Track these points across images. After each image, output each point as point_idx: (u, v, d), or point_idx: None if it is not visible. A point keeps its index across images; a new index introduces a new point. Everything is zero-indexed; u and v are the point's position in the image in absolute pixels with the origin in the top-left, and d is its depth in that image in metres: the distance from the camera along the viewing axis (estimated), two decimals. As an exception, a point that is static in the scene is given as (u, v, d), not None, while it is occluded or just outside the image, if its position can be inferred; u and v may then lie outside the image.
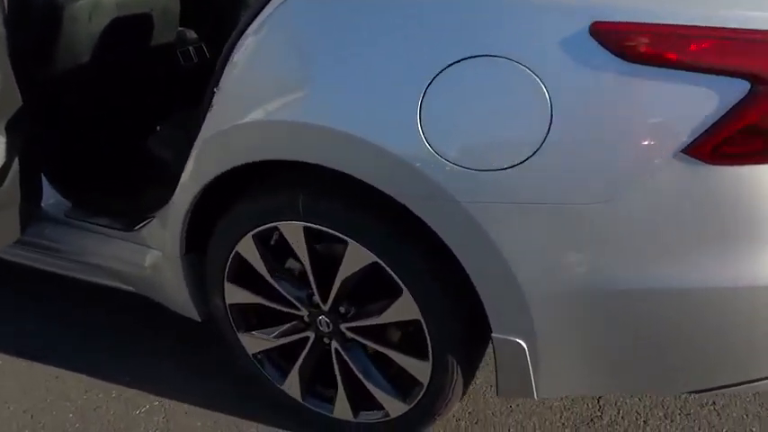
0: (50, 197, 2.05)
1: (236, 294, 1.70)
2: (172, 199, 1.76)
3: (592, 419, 1.83)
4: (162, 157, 1.98)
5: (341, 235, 1.45)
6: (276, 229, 1.54)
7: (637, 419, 1.82)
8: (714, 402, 1.87)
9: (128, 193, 2.07)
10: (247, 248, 1.60)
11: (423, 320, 1.45)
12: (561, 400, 1.89)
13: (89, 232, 2.02)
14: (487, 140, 1.24)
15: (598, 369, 1.38)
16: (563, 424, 1.82)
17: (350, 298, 1.57)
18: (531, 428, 1.81)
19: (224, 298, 1.72)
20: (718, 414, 1.83)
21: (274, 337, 1.71)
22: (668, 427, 1.80)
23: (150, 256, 1.89)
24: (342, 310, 1.58)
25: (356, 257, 1.46)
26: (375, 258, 1.43)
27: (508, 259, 1.27)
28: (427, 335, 1.46)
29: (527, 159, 1.20)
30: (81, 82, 2.11)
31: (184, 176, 1.63)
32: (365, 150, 1.31)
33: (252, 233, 1.57)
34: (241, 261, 1.64)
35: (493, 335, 1.38)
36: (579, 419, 1.83)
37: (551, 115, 1.17)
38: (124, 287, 2.00)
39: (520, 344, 1.36)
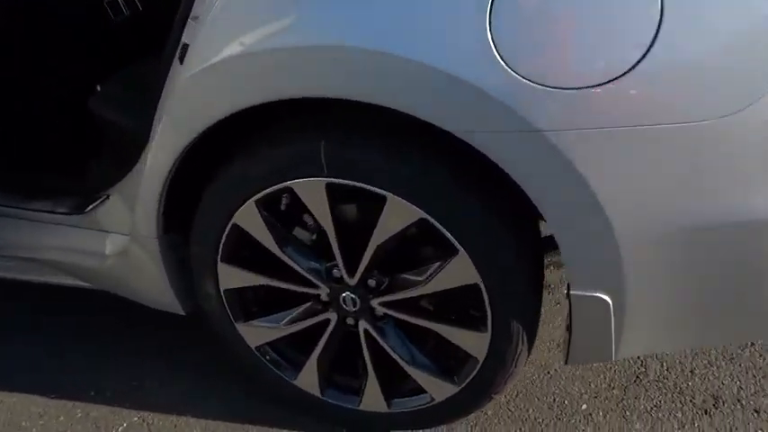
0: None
1: (233, 277, 1.39)
2: (135, 168, 1.41)
3: (637, 376, 1.66)
4: (112, 121, 1.61)
5: (378, 189, 1.17)
6: (287, 191, 1.24)
7: (683, 371, 1.67)
8: (753, 344, 1.74)
9: (69, 169, 1.69)
10: (249, 218, 1.29)
11: (482, 284, 1.20)
12: (599, 359, 1.71)
13: (25, 221, 1.63)
14: (578, 51, 0.99)
15: (689, 321, 1.19)
16: (609, 385, 1.64)
17: (382, 268, 1.30)
18: (576, 393, 1.62)
19: (217, 283, 1.40)
20: (761, 355, 1.70)
21: (285, 324, 1.41)
22: (716, 373, 1.65)
23: (111, 241, 1.54)
24: (371, 283, 1.31)
25: (397, 216, 1.18)
26: (422, 214, 1.16)
27: (601, 200, 1.04)
28: (487, 301, 1.22)
29: (628, 71, 0.96)
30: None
31: (158, 138, 1.28)
32: (414, 75, 1.03)
33: (255, 198, 1.26)
34: (240, 235, 1.33)
35: (572, 292, 1.15)
36: (625, 378, 1.65)
37: (662, 10, 0.94)
38: (80, 284, 1.62)
39: (604, 300, 1.14)
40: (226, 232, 1.32)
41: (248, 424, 1.58)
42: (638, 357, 1.70)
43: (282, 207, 1.29)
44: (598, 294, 1.14)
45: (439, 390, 1.37)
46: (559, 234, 1.10)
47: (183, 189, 1.35)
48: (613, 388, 1.63)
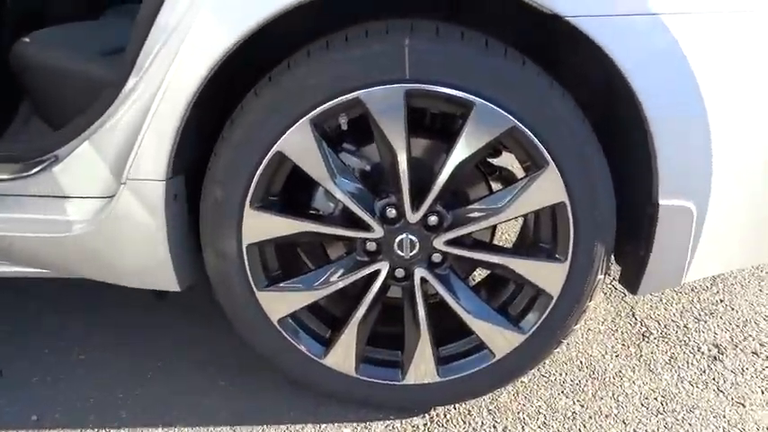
0: None
1: (262, 227, 1.14)
2: (109, 111, 1.13)
3: (643, 335, 1.64)
4: (61, 67, 1.30)
5: (465, 95, 1.04)
6: (351, 104, 1.06)
7: (678, 327, 1.69)
8: (722, 300, 1.83)
9: None
10: (298, 143, 1.08)
11: (568, 202, 1.11)
12: (600, 324, 1.67)
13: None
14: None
15: (764, 236, 1.19)
16: (623, 344, 1.60)
17: (450, 199, 1.15)
18: (598, 355, 1.56)
19: (239, 237, 1.14)
20: (733, 308, 1.79)
21: (320, 285, 1.19)
22: (705, 326, 1.69)
23: (74, 207, 1.20)
24: (433, 220, 1.15)
25: (484, 125, 1.06)
26: (513, 122, 1.05)
27: (705, 97, 1.01)
28: (571, 223, 1.12)
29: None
30: None
31: (183, 50, 1.04)
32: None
33: (310, 116, 1.06)
34: (278, 168, 1.11)
35: (661, 202, 1.10)
36: (634, 337, 1.63)
37: None
38: (29, 272, 1.24)
39: (690, 210, 1.11)
40: (263, 165, 1.09)
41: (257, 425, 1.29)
42: (636, 318, 1.70)
43: (342, 127, 1.10)
44: (685, 203, 1.11)
45: (503, 342, 1.22)
46: (659, 136, 1.04)
47: (199, 120, 1.11)
48: (629, 346, 1.60)
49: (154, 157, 1.08)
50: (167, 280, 1.19)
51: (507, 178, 1.43)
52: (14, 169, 1.25)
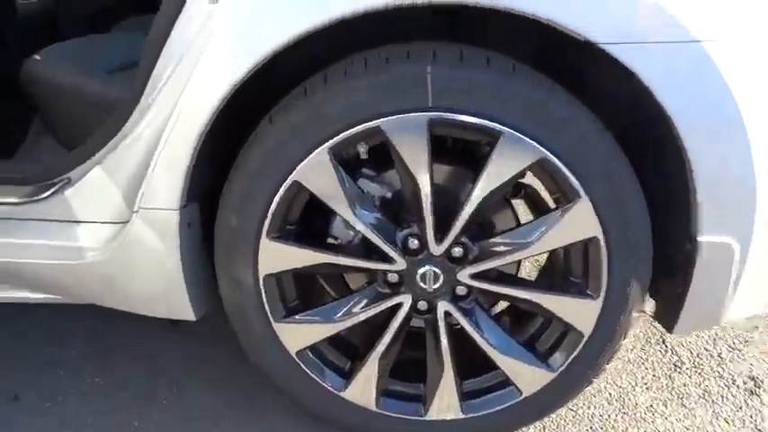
0: None
1: (279, 257, 1.10)
2: (124, 131, 1.09)
3: (675, 365, 1.57)
4: (73, 85, 1.28)
5: (492, 124, 0.98)
6: (370, 133, 1.01)
7: (712, 356, 1.61)
8: (757, 327, 1.75)
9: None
10: (316, 172, 1.03)
11: (602, 237, 1.05)
12: (629, 351, 1.60)
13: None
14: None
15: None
16: (654, 375, 1.53)
17: (475, 230, 1.10)
18: (628, 386, 1.49)
19: (255, 267, 1.10)
20: (770, 337, 1.70)
21: (341, 317, 1.14)
22: (740, 356, 1.61)
23: (86, 233, 1.17)
24: (458, 252, 1.09)
25: (512, 156, 1.00)
26: (543, 153, 0.99)
27: (747, 124, 0.95)
28: (605, 258, 1.06)
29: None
30: None
31: (197, 75, 1.00)
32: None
33: (329, 144, 1.01)
34: (294, 198, 1.06)
35: (701, 238, 1.03)
36: (666, 368, 1.56)
37: None
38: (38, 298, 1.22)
39: (730, 245, 1.04)
40: (280, 194, 1.05)
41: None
42: (666, 346, 1.63)
43: (361, 155, 1.05)
44: (726, 239, 1.04)
45: (531, 380, 1.16)
46: (698, 167, 0.98)
47: (213, 146, 1.07)
48: (660, 378, 1.52)
49: (166, 186, 1.05)
50: (182, 308, 1.16)
51: (533, 197, 1.37)
52: (26, 192, 1.22)
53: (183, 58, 1.02)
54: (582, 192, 1.01)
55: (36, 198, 1.20)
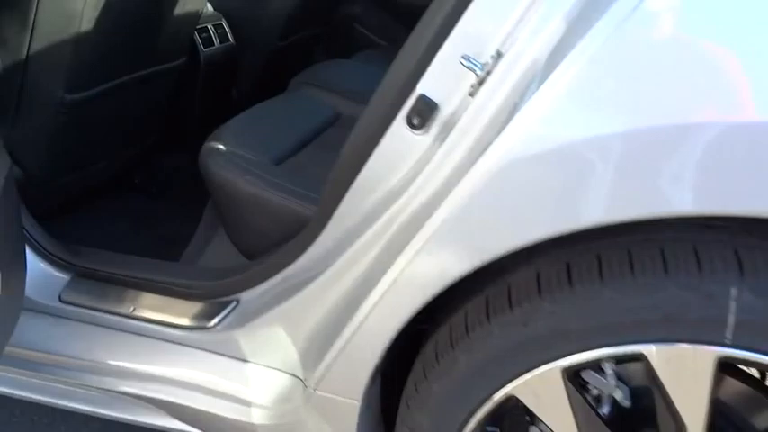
0: (33, 271, 1.11)
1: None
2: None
3: None
4: (256, 191, 1.11)
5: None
6: (628, 356, 0.72)
7: None
8: None
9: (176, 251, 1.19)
10: (540, 390, 0.77)
11: None
12: None
13: (112, 331, 1.11)
14: None
15: None
16: None
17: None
18: None
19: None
20: None
21: None
22: None
23: (260, 380, 1.01)
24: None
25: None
26: None
27: None
28: None
29: None
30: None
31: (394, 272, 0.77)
32: None
33: (564, 364, 0.74)
34: (502, 410, 0.82)
35: None
36: None
37: None
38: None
39: None
40: (488, 405, 0.80)
41: None
42: None
43: (605, 379, 0.77)
44: None
45: None
46: None
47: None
48: None
49: (350, 378, 0.84)
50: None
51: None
52: (195, 314, 1.09)
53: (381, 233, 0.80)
54: None
55: (205, 326, 1.06)
